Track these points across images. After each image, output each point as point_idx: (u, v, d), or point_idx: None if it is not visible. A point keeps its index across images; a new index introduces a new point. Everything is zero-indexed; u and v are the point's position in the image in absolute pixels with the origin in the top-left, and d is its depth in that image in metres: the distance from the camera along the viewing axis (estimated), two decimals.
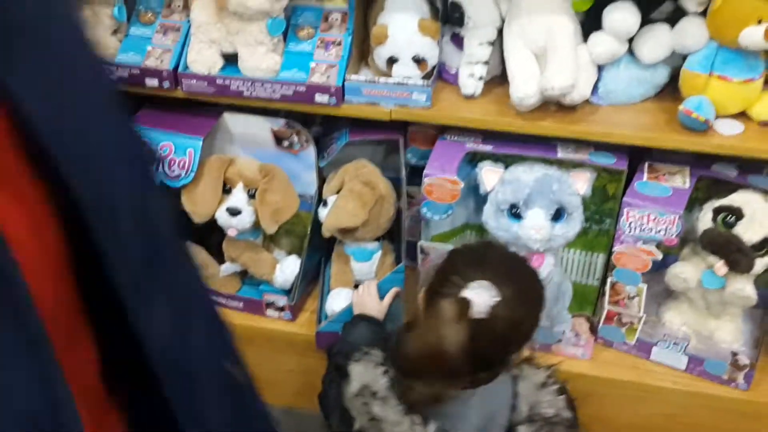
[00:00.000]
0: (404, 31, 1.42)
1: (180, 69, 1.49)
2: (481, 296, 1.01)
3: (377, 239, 1.58)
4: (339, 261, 1.59)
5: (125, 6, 1.56)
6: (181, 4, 1.55)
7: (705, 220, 1.41)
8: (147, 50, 1.51)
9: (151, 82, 1.50)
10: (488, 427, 1.06)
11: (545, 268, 1.46)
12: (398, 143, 1.54)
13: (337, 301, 1.54)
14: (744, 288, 1.39)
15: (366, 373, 1.09)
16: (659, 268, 1.48)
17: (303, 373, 1.66)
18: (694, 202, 1.46)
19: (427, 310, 1.04)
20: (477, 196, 1.52)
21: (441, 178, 1.42)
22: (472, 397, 1.06)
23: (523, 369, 1.10)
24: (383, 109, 1.45)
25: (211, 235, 1.62)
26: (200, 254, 1.59)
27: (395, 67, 1.44)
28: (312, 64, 1.46)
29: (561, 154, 1.45)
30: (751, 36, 1.26)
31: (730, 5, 1.27)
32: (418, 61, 1.43)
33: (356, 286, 1.56)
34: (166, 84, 1.50)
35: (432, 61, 1.44)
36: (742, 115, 1.38)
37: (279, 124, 1.54)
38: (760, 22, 1.24)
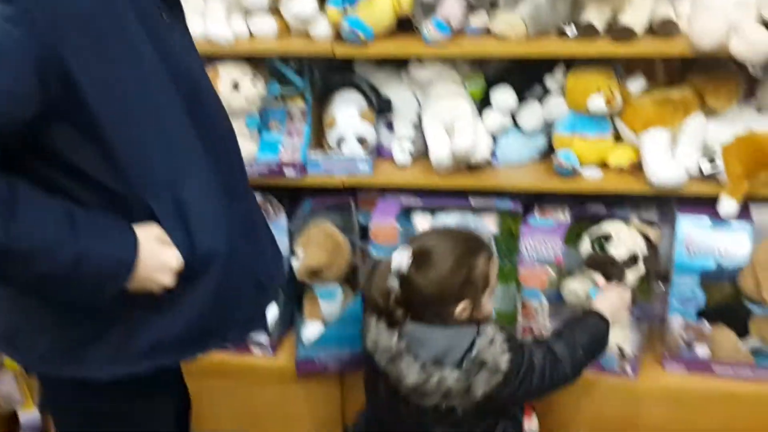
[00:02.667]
0: (349, 118, 1.91)
1: None
2: (399, 256, 1.49)
3: (339, 283, 2.00)
4: (309, 301, 2.00)
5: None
6: None
7: (585, 246, 1.85)
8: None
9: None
10: (443, 358, 1.47)
11: None
12: (350, 205, 1.99)
13: (311, 330, 1.93)
14: (626, 296, 1.78)
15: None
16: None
17: (281, 403, 2.02)
18: (578, 238, 1.91)
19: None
20: None
21: (383, 224, 1.86)
22: (437, 333, 1.48)
23: (488, 330, 1.49)
24: (337, 179, 1.91)
25: None
26: None
27: (343, 145, 1.91)
28: (281, 148, 1.93)
29: (473, 203, 1.91)
30: (594, 102, 1.76)
31: (578, 81, 1.78)
32: (361, 141, 1.91)
33: (324, 322, 1.96)
34: None
35: (371, 139, 1.93)
36: (602, 165, 1.87)
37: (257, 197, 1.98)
38: (599, 90, 1.76)
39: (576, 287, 1.88)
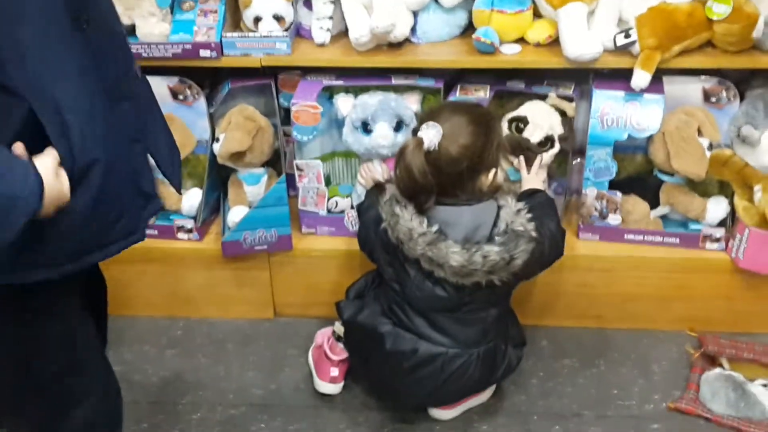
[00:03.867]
0: None
1: None
2: (428, 133, 1.46)
3: (263, 165, 1.99)
4: (234, 186, 2.00)
5: None
6: None
7: (503, 129, 1.88)
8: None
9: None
10: (473, 235, 1.50)
11: None
12: (271, 86, 1.96)
13: (236, 214, 1.94)
14: (542, 176, 1.83)
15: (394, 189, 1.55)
16: None
17: (212, 286, 2.05)
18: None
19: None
20: (339, 129, 1.95)
21: (305, 105, 1.85)
22: (465, 212, 1.51)
23: (508, 200, 1.53)
24: (254, 58, 1.87)
25: None
26: None
27: (260, 24, 1.86)
28: (195, 28, 1.87)
29: (395, 81, 1.90)
30: None
31: None
32: (278, 18, 1.86)
33: (250, 206, 1.97)
34: None
35: (289, 18, 1.88)
36: (521, 41, 1.88)
37: (173, 81, 1.94)
38: None
39: None
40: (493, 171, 1.54)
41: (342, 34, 1.92)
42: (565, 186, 2.04)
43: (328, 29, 1.89)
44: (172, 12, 1.90)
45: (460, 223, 1.51)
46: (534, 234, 1.51)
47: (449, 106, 1.61)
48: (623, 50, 1.76)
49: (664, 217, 1.93)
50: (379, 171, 1.85)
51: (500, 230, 1.51)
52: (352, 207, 2.00)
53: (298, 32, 1.96)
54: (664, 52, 1.73)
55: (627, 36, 1.75)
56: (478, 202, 1.53)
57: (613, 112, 1.79)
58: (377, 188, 1.81)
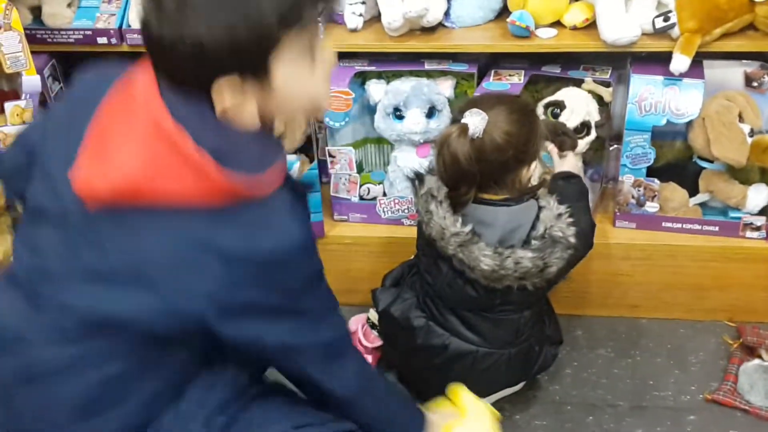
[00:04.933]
0: None
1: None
2: (473, 119, 1.42)
3: (295, 152, 1.98)
4: None
5: None
6: None
7: (539, 114, 1.85)
8: (96, 16, 1.91)
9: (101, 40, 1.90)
10: (508, 238, 1.46)
11: (430, 156, 1.88)
12: None
13: None
14: (577, 165, 1.80)
15: (432, 181, 1.51)
16: None
17: None
18: (534, 100, 1.91)
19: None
20: (371, 115, 1.94)
21: (337, 91, 1.83)
22: (501, 213, 1.46)
23: (549, 202, 1.49)
24: None
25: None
26: None
27: None
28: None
29: (427, 66, 1.88)
30: None
31: None
32: None
33: None
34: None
35: None
36: (557, 24, 1.84)
37: None
38: None
39: None
40: (534, 164, 1.49)
41: (375, 19, 1.90)
42: (602, 173, 2.01)
43: (361, 14, 1.87)
44: None
45: (496, 224, 1.46)
46: (572, 240, 1.45)
47: (489, 96, 1.56)
48: (662, 33, 1.72)
49: (703, 205, 1.89)
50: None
51: (538, 233, 1.45)
52: (384, 194, 1.99)
53: (331, 17, 1.94)
54: (704, 36, 1.69)
55: (666, 19, 1.70)
56: (517, 203, 1.47)
57: (652, 97, 1.75)
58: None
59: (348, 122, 1.89)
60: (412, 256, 1.72)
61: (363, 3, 1.87)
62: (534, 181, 1.52)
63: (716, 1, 1.67)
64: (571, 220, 1.47)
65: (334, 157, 1.93)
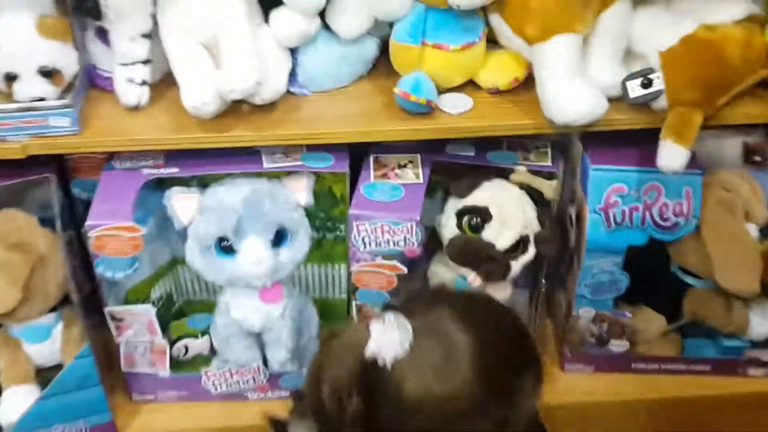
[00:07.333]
0: (17, 36, 1.02)
1: None
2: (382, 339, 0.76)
3: (52, 310, 1.19)
4: (7, 350, 1.19)
5: None
6: None
7: (449, 226, 1.18)
8: None
9: None
10: None
11: (283, 301, 1.19)
12: (49, 181, 1.14)
13: (14, 403, 1.15)
14: (505, 292, 1.19)
15: None
16: None
17: None
18: (434, 191, 1.24)
19: None
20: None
21: (112, 227, 1.06)
22: None
23: None
24: (12, 146, 1.05)
25: None
26: None
27: (16, 86, 1.03)
28: None
29: (267, 164, 1.14)
30: None
31: None
32: (48, 73, 1.04)
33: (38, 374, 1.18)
34: None
35: (69, 69, 1.06)
36: (470, 84, 1.16)
37: None
38: None
39: (439, 272, 1.24)
40: None
41: (169, 82, 1.13)
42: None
43: (144, 81, 1.09)
44: None
45: None
46: None
47: (460, 299, 0.87)
48: (638, 104, 1.09)
49: (682, 328, 1.31)
50: None
51: None
52: (212, 350, 1.27)
53: (94, 82, 1.14)
54: (707, 110, 1.06)
55: (646, 84, 1.06)
56: None
57: (624, 202, 1.12)
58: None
59: (137, 268, 1.13)
60: None
61: (146, 63, 1.09)
62: None
63: (726, 56, 1.05)
64: None
65: (121, 320, 1.16)
